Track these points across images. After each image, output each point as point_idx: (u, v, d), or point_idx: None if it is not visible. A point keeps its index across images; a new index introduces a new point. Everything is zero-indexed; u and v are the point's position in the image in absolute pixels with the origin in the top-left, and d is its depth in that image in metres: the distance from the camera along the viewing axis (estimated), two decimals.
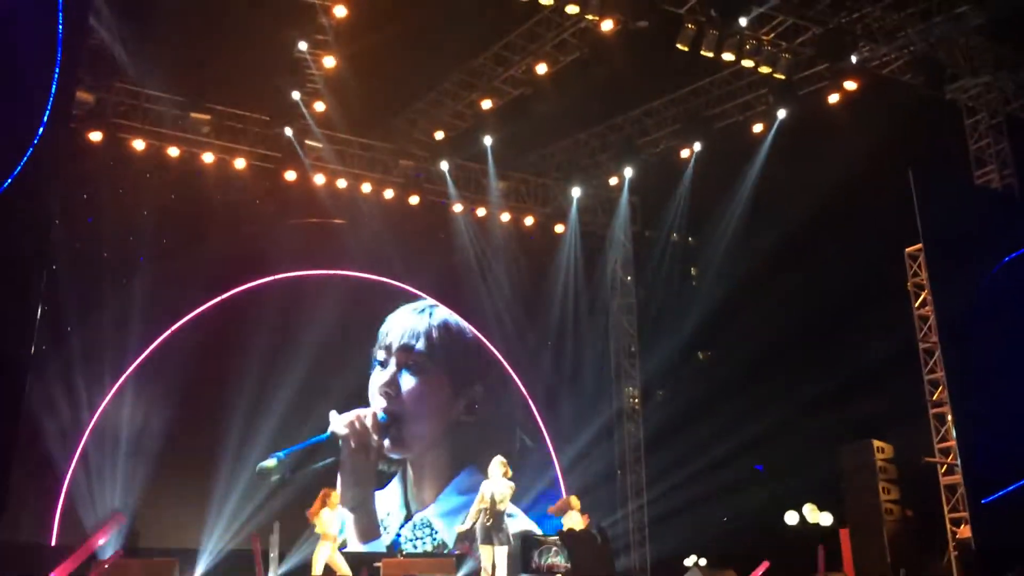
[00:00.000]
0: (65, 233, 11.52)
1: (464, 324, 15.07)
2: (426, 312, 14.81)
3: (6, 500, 8.01)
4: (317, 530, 10.43)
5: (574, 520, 10.63)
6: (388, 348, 14.20)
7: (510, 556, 10.02)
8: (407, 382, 14.06)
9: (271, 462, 12.54)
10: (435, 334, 14.68)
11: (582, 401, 15.43)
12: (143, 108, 12.81)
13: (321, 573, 10.20)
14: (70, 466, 11.55)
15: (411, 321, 14.58)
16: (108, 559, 8.87)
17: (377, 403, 13.81)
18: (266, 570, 10.58)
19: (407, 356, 14.23)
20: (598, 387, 15.88)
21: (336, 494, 10.83)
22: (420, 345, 14.45)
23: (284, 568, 11.16)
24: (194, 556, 10.95)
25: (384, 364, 14.10)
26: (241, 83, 12.72)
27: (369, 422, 13.63)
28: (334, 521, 10.49)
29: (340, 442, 13.31)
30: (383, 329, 14.28)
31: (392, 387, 13.94)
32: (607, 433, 15.57)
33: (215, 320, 13.03)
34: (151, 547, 11.58)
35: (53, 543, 11.35)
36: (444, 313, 14.93)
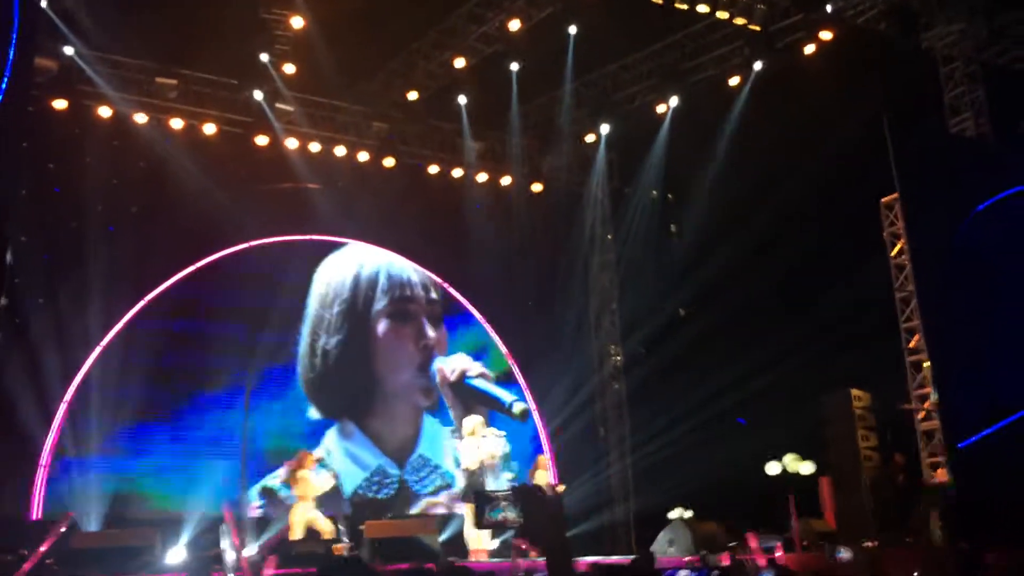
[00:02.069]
0: (32, 204, 11.32)
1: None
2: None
3: None
4: (294, 492, 10.52)
5: (543, 479, 10.75)
6: (404, 298, 14.17)
7: None
8: (435, 331, 14.23)
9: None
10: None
11: (563, 359, 15.43)
12: (108, 74, 12.52)
13: (302, 535, 10.27)
14: (48, 439, 11.46)
15: (401, 267, 14.51)
16: (60, 523, 8.86)
17: (415, 359, 13.92)
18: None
19: (425, 306, 14.35)
20: (579, 345, 15.90)
21: (311, 456, 10.90)
22: (434, 294, 14.57)
23: (269, 534, 11.19)
24: (178, 524, 10.92)
25: (406, 314, 14.10)
26: (207, 46, 12.47)
27: None
28: (310, 482, 10.60)
29: None
30: (379, 278, 14.17)
31: (426, 338, 14.07)
32: (589, 390, 15.61)
33: (191, 287, 12.90)
34: (134, 517, 11.61)
35: (36, 517, 11.30)
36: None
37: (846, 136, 12.91)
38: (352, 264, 14.21)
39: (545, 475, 11.07)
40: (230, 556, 8.01)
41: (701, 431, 14.04)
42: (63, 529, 8.76)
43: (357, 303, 13.86)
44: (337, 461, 13.02)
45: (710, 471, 13.16)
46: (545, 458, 11.49)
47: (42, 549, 7.98)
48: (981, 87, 13.08)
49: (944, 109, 13.28)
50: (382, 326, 13.87)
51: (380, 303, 13.96)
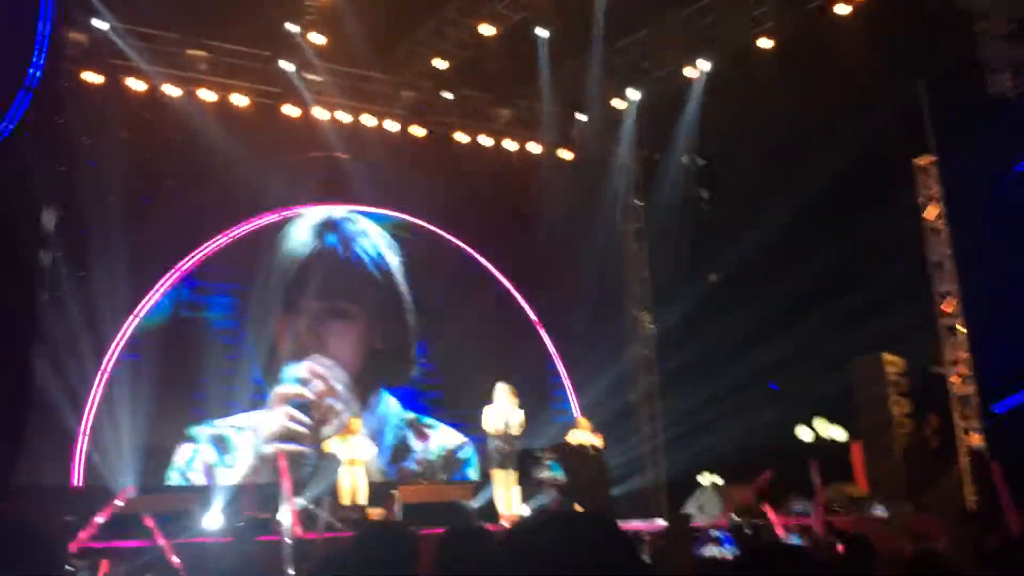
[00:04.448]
0: (69, 178, 11.50)
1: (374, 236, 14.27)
2: (333, 240, 13.79)
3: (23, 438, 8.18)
4: (341, 456, 10.73)
5: (583, 439, 10.78)
6: (299, 288, 13.21)
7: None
8: (331, 329, 13.33)
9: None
10: (352, 266, 13.80)
11: (594, 327, 15.44)
12: (139, 47, 12.63)
13: (349, 500, 10.49)
14: (88, 409, 11.71)
15: (323, 258, 13.59)
16: (118, 495, 9.03)
17: (292, 349, 12.99)
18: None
19: (328, 304, 13.39)
20: (610, 313, 15.89)
21: (358, 421, 11.07)
22: (341, 286, 13.54)
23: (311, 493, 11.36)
24: (209, 491, 11.16)
25: (296, 308, 13.18)
26: (236, 17, 12.53)
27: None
28: (356, 446, 10.80)
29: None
30: (288, 265, 13.32)
31: (313, 336, 13.14)
32: (620, 357, 15.62)
33: (225, 257, 13.09)
34: (171, 484, 11.88)
35: (76, 484, 11.59)
36: (351, 232, 14.05)
37: (879, 97, 12.71)
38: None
39: (581, 435, 11.10)
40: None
41: (733, 397, 14.01)
42: (120, 501, 8.89)
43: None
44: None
45: (742, 437, 13.15)
46: (584, 419, 11.51)
47: (99, 520, 8.13)
48: (1018, 45, 12.75)
49: (980, 68, 12.98)
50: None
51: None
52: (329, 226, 13.92)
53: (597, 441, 10.78)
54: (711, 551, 7.15)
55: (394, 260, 14.19)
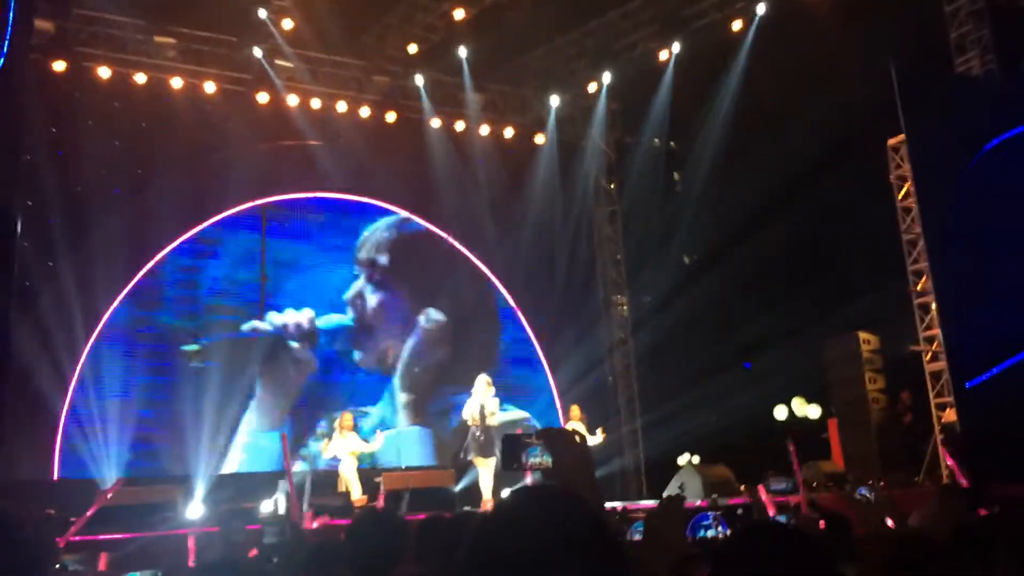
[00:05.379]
0: (36, 168, 11.29)
1: (436, 238, 15.06)
2: (395, 227, 14.83)
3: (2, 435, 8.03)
4: (340, 450, 10.75)
5: (575, 428, 10.83)
6: (361, 261, 14.39)
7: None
8: (371, 295, 14.25)
9: (194, 347, 12.56)
10: (400, 247, 14.70)
11: (570, 310, 15.49)
12: (105, 34, 12.43)
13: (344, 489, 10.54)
14: (65, 401, 11.57)
15: (380, 235, 14.69)
16: (110, 488, 8.93)
17: (347, 314, 14.04)
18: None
19: (373, 270, 14.39)
20: (585, 295, 15.95)
21: (350, 416, 11.08)
22: (384, 259, 14.55)
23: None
24: (190, 481, 11.08)
25: (357, 276, 14.30)
26: (205, 3, 12.35)
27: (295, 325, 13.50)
28: (353, 440, 10.82)
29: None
30: (358, 242, 14.42)
31: (359, 299, 14.15)
32: (596, 339, 15.68)
33: (197, 247, 12.95)
34: (150, 476, 11.77)
35: (55, 478, 11.46)
36: (414, 227, 14.95)
37: (851, 78, 12.81)
38: None
39: (574, 424, 11.19)
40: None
41: (709, 378, 14.13)
42: (110, 494, 8.77)
43: None
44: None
45: (719, 417, 13.27)
46: (576, 407, 11.64)
47: (89, 513, 8.03)
48: (987, 25, 12.90)
49: (949, 48, 13.12)
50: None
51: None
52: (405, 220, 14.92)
53: (582, 428, 10.85)
54: (706, 532, 7.23)
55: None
